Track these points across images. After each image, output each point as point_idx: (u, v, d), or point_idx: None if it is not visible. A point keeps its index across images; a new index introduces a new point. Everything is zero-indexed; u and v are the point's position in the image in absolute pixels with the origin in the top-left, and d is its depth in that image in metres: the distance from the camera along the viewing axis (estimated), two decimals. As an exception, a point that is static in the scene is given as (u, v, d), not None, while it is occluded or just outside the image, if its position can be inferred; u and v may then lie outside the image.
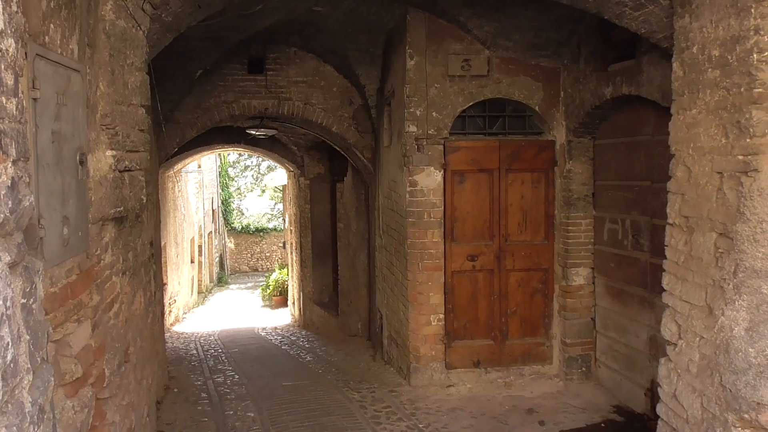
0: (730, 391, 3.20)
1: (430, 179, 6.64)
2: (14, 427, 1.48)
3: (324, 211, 13.86)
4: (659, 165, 5.12)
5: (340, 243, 12.63)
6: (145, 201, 3.98)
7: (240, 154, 30.35)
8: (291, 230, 16.84)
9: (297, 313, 15.51)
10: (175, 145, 8.76)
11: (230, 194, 31.65)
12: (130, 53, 3.52)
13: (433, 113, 6.60)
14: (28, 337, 1.61)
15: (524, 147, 6.83)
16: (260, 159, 30.10)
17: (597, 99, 5.97)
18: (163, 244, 11.72)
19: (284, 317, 16.93)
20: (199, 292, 21.55)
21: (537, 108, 6.75)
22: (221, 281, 26.90)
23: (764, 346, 3.05)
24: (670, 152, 3.87)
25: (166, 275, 13.97)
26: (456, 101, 6.64)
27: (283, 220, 21.86)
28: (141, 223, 4.19)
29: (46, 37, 2.31)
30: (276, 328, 14.92)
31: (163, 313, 7.96)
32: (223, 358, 10.25)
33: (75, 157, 2.60)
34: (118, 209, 3.29)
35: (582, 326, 6.71)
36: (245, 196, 34.64)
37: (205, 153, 17.02)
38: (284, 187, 19.15)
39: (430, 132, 6.61)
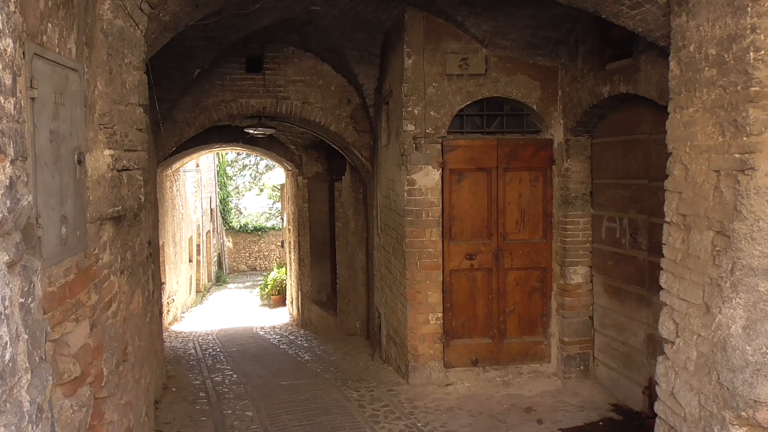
0: (728, 388, 3.21)
1: (428, 178, 6.65)
2: (13, 426, 1.48)
3: (322, 210, 13.86)
4: (657, 163, 5.13)
5: (338, 242, 12.63)
6: (143, 200, 3.98)
7: (238, 154, 30.34)
8: (289, 229, 16.84)
9: (295, 312, 15.51)
10: (174, 144, 8.75)
11: (228, 193, 31.61)
12: (128, 52, 3.52)
13: (431, 112, 6.61)
14: (26, 337, 1.61)
15: (522, 146, 6.84)
16: (258, 158, 30.07)
17: (595, 98, 5.98)
18: (161, 243, 11.71)
19: (282, 316, 16.93)
20: (198, 292, 21.53)
21: (535, 107, 6.75)
22: (219, 280, 26.87)
23: (761, 344, 3.06)
24: (667, 151, 3.87)
25: (165, 274, 13.96)
26: (454, 100, 6.64)
27: (282, 219, 21.85)
28: (139, 223, 4.19)
29: (44, 37, 2.31)
30: (274, 327, 14.92)
31: (161, 313, 7.96)
32: (222, 357, 10.25)
33: (73, 156, 2.60)
34: (116, 208, 3.30)
35: (580, 325, 6.72)
36: (243, 195, 34.60)
37: (204, 152, 17.01)
38: (282, 186, 19.13)
39: (428, 131, 6.61)
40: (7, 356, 1.46)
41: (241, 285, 26.52)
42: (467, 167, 6.76)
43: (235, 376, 8.42)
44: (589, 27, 5.95)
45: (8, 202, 1.52)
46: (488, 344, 6.88)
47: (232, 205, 32.40)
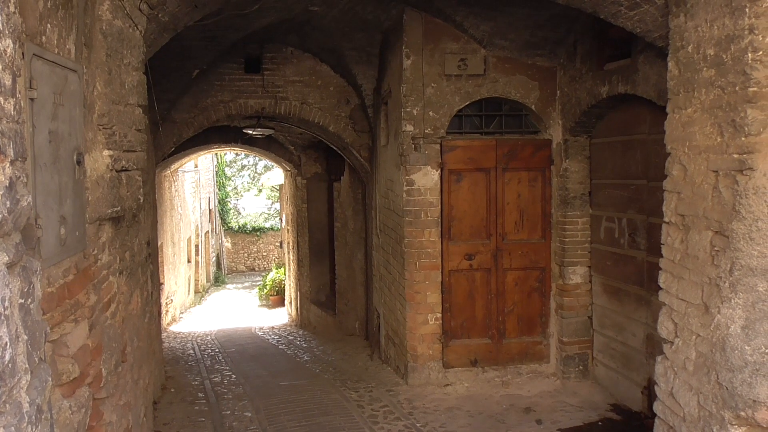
0: (727, 388, 3.22)
1: (427, 178, 6.65)
2: (12, 427, 1.48)
3: (321, 210, 13.86)
4: (655, 163, 5.14)
5: (337, 242, 12.63)
6: (142, 201, 3.98)
7: (237, 154, 30.31)
8: (288, 230, 16.83)
9: (294, 312, 15.51)
10: (172, 144, 8.74)
11: (227, 194, 31.59)
12: (127, 53, 3.52)
13: (430, 112, 6.61)
14: (26, 338, 1.61)
15: (521, 146, 6.85)
16: (257, 158, 30.05)
17: (593, 98, 5.99)
18: (159, 243, 11.71)
19: (281, 317, 16.93)
20: (196, 292, 21.51)
21: (533, 107, 6.76)
22: (218, 281, 26.85)
23: (760, 344, 3.06)
24: (665, 151, 3.88)
25: (163, 275, 13.96)
26: (452, 100, 6.64)
27: (280, 219, 21.84)
28: (138, 223, 4.19)
29: (43, 37, 2.31)
30: (273, 327, 14.91)
31: (160, 313, 7.95)
32: (221, 357, 10.24)
33: (72, 156, 2.60)
34: (115, 209, 3.29)
35: (579, 325, 6.72)
36: (242, 195, 34.59)
37: (202, 152, 16.99)
38: (281, 186, 19.12)
39: (426, 131, 6.61)
40: (7, 357, 1.46)
41: (239, 285, 26.51)
42: (466, 167, 6.76)
43: (233, 376, 8.41)
44: (587, 27, 5.95)
45: (8, 202, 1.52)
46: (487, 344, 6.89)
47: (230, 205, 32.38)
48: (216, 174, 27.84)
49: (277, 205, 29.02)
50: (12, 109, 1.59)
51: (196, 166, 21.43)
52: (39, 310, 1.76)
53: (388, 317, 7.87)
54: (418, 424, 5.70)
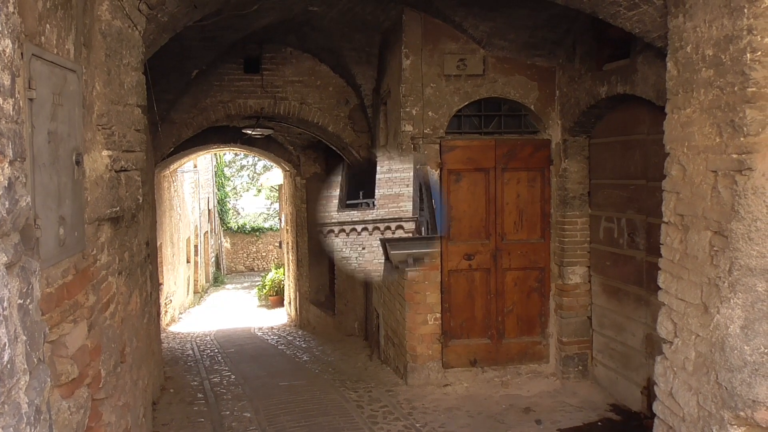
0: (726, 388, 3.22)
1: (426, 179, 6.65)
2: (11, 428, 1.48)
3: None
4: (654, 164, 5.14)
5: (336, 242, 12.61)
6: (141, 201, 3.98)
7: (236, 154, 30.30)
8: (287, 230, 16.82)
9: (293, 312, 15.50)
10: (171, 144, 8.74)
11: (226, 194, 31.57)
12: (126, 53, 3.51)
13: (429, 112, 6.61)
14: (24, 338, 1.61)
15: (520, 146, 6.85)
16: (256, 159, 30.03)
17: (592, 98, 5.99)
18: (159, 244, 11.69)
19: (280, 317, 16.92)
20: (195, 292, 21.49)
21: (532, 107, 6.76)
22: (217, 281, 26.83)
23: (759, 344, 3.06)
24: (665, 151, 3.88)
25: (162, 275, 13.94)
26: (452, 100, 6.65)
27: (279, 219, 21.82)
28: (137, 223, 4.19)
29: (43, 38, 2.31)
30: (272, 327, 14.90)
31: (159, 314, 7.95)
32: (220, 358, 10.23)
33: (71, 157, 2.60)
34: (114, 209, 3.29)
35: (578, 325, 6.73)
36: (241, 195, 34.57)
37: (201, 153, 16.99)
38: (280, 186, 19.10)
39: (426, 131, 6.62)
40: (6, 358, 1.46)
41: (239, 286, 26.49)
42: (465, 167, 6.76)
43: (233, 377, 8.41)
44: (586, 28, 5.96)
45: (7, 203, 1.52)
46: (487, 344, 6.89)
47: (230, 205, 32.35)
48: (215, 174, 27.82)
49: (277, 206, 29.01)
50: (11, 109, 1.59)
51: (195, 167, 21.41)
52: (38, 310, 1.76)
53: (388, 317, 7.87)
54: (417, 425, 5.70)
